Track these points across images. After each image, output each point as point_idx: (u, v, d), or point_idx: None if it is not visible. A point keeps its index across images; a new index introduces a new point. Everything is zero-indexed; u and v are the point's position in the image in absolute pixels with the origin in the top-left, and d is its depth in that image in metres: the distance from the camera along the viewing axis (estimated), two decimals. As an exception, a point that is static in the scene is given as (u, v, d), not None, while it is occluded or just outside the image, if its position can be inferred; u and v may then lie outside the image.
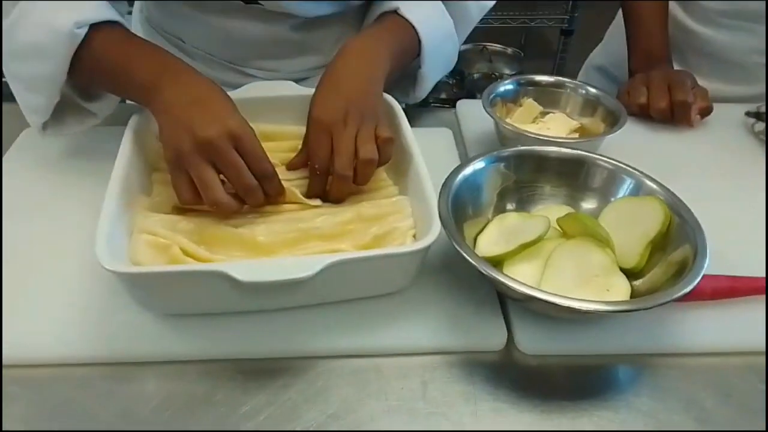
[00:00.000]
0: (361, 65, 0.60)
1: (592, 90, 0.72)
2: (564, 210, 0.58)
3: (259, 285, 0.46)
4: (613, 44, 1.03)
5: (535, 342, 0.52)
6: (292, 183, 0.60)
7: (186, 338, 0.51)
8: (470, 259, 0.47)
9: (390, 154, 0.58)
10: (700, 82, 0.82)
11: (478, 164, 0.57)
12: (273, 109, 0.68)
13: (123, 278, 0.48)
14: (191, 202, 0.54)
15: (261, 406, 0.48)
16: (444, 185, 0.54)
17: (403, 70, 0.69)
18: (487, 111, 0.69)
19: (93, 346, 0.51)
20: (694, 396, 0.49)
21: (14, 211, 0.63)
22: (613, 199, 0.57)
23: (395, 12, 0.66)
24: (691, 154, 0.76)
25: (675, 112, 0.78)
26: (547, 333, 0.53)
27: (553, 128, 0.72)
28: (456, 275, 0.57)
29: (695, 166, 0.73)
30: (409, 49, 0.66)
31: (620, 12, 0.97)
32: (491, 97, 0.72)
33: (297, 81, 0.73)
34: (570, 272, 0.51)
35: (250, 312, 0.53)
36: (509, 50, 2.13)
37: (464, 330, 0.53)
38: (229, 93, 0.65)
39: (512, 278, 0.46)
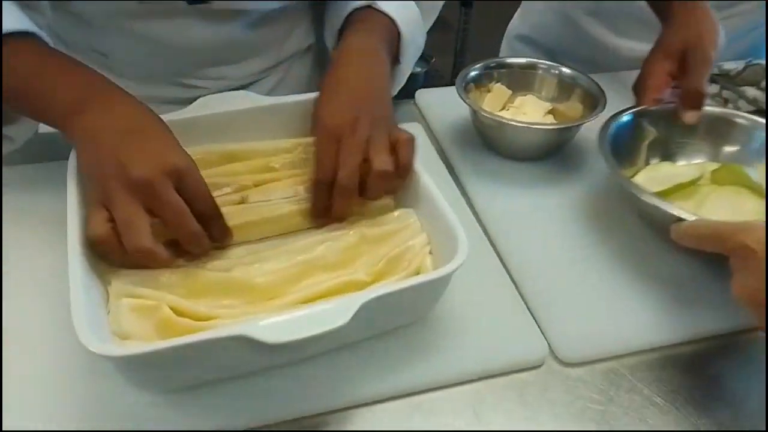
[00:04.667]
0: (365, 65, 0.55)
1: (566, 70, 0.69)
2: (710, 165, 0.60)
3: (288, 345, 0.39)
4: (533, 12, 1.01)
5: (575, 348, 0.50)
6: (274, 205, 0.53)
7: (199, 414, 0.44)
8: (637, 193, 0.50)
9: (413, 157, 0.51)
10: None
11: (626, 117, 0.61)
12: (233, 125, 0.59)
13: (121, 361, 0.40)
14: (101, 241, 0.44)
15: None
16: (601, 132, 0.58)
17: None
18: (464, 100, 0.65)
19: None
20: None
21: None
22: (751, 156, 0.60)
23: (369, 7, 0.60)
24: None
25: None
26: (584, 337, 0.50)
27: (529, 112, 0.69)
28: (476, 290, 0.53)
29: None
30: (393, 45, 0.61)
31: None
32: (465, 82, 0.67)
33: (243, 88, 0.66)
34: (724, 216, 0.50)
35: (263, 370, 0.46)
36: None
37: (503, 347, 0.49)
38: (177, 113, 0.58)
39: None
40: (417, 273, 0.48)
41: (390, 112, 0.53)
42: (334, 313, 0.40)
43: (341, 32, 0.63)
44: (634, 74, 0.67)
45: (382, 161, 0.49)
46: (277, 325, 0.39)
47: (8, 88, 0.50)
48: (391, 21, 0.60)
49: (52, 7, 0.68)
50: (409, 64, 0.65)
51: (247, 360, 0.44)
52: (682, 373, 0.49)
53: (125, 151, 0.45)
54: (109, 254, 0.45)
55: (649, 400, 0.47)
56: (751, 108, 0.76)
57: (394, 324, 0.49)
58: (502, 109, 0.70)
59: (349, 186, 0.49)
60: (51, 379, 0.45)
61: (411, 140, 0.51)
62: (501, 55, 1.07)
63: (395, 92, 0.68)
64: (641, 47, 0.76)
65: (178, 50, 0.66)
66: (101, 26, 0.65)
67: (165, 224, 0.45)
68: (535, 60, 0.71)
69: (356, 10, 0.61)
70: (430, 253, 0.50)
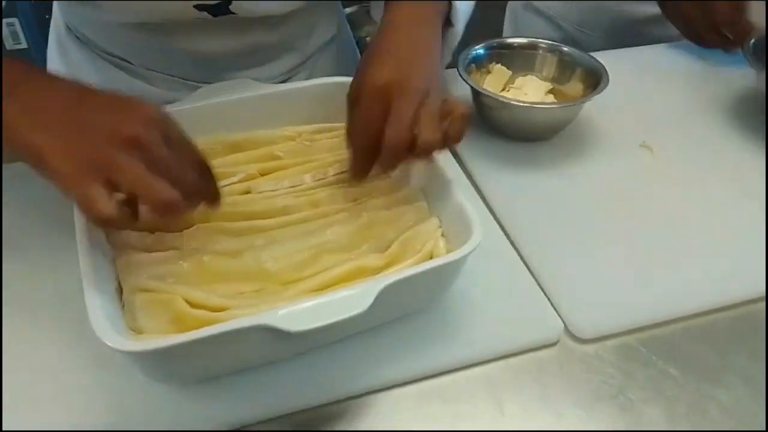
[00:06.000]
0: (414, 33, 0.51)
1: (567, 50, 0.69)
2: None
3: (309, 332, 0.39)
4: None
5: (589, 325, 0.50)
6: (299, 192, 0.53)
7: (215, 405, 0.43)
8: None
9: (463, 133, 0.48)
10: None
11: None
12: (236, 114, 0.58)
13: (141, 356, 0.39)
14: (114, 220, 0.38)
15: (326, 462, 0.42)
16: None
17: None
18: (465, 80, 0.64)
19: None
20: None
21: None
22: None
23: None
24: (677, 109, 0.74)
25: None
26: (597, 313, 0.51)
27: (530, 92, 0.69)
28: (487, 272, 0.53)
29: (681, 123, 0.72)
30: (444, 8, 0.57)
31: None
32: (466, 63, 0.67)
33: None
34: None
35: (280, 360, 0.46)
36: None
37: (517, 327, 0.49)
38: (180, 102, 0.57)
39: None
40: (430, 256, 0.48)
41: (441, 82, 0.50)
42: (354, 300, 0.40)
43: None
44: (639, 51, 0.66)
45: (431, 131, 0.45)
46: (297, 313, 0.39)
47: None
48: None
49: (69, 13, 0.67)
50: (461, 26, 0.61)
51: (266, 350, 0.43)
52: (694, 344, 0.50)
53: (95, 116, 0.40)
54: (120, 228, 0.43)
55: (664, 372, 0.47)
56: None
57: (411, 309, 0.49)
58: (503, 89, 0.70)
59: (400, 144, 0.45)
60: (66, 376, 0.45)
61: (466, 114, 0.47)
62: (505, 26, 1.07)
63: (449, 58, 0.64)
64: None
65: (205, 59, 0.65)
66: (126, 36, 0.64)
67: (166, 176, 0.40)
68: (536, 40, 0.70)
69: None
70: (443, 236, 0.50)
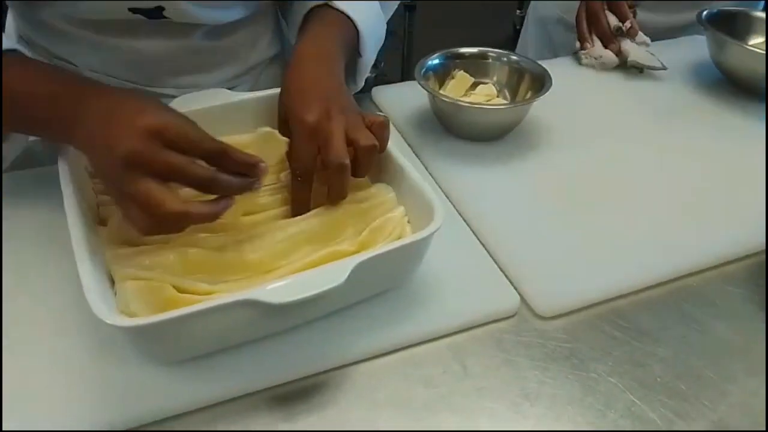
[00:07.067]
0: (322, 68, 0.58)
1: (514, 57, 0.76)
2: None
3: (293, 304, 0.43)
4: None
5: (544, 298, 0.55)
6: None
7: (204, 381, 0.47)
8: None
9: (387, 139, 0.55)
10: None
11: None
12: (212, 121, 0.62)
13: (137, 331, 0.43)
14: (154, 230, 0.45)
15: (312, 426, 0.46)
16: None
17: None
18: (423, 86, 0.70)
19: (101, 414, 0.45)
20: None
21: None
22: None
23: (326, 5, 0.64)
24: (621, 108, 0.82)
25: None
26: (551, 289, 0.56)
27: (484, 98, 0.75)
28: (451, 256, 0.58)
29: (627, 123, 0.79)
30: (351, 41, 0.65)
31: None
32: (423, 71, 0.73)
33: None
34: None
35: (263, 337, 0.50)
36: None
37: (479, 302, 0.54)
38: None
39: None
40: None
41: (354, 103, 0.57)
42: (332, 275, 0.44)
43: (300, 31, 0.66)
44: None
45: (367, 137, 0.52)
46: (281, 288, 0.43)
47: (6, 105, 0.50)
48: (348, 18, 0.64)
49: (18, 16, 0.70)
50: (371, 56, 0.69)
51: (252, 326, 0.47)
52: (636, 314, 0.56)
53: (105, 133, 0.45)
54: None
55: (609, 335, 0.53)
56: None
57: (383, 286, 0.53)
58: (463, 95, 0.76)
59: (343, 161, 0.50)
60: (65, 362, 0.48)
61: (385, 121, 0.55)
62: (523, 39, 1.14)
63: (361, 84, 0.72)
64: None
65: (146, 62, 0.69)
66: (67, 37, 0.67)
67: (179, 182, 0.44)
68: (486, 49, 0.77)
69: (314, 8, 0.65)
70: (409, 222, 0.55)
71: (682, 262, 0.60)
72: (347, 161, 0.51)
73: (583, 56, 0.90)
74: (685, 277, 0.59)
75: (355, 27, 0.64)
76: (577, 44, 0.91)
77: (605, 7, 0.88)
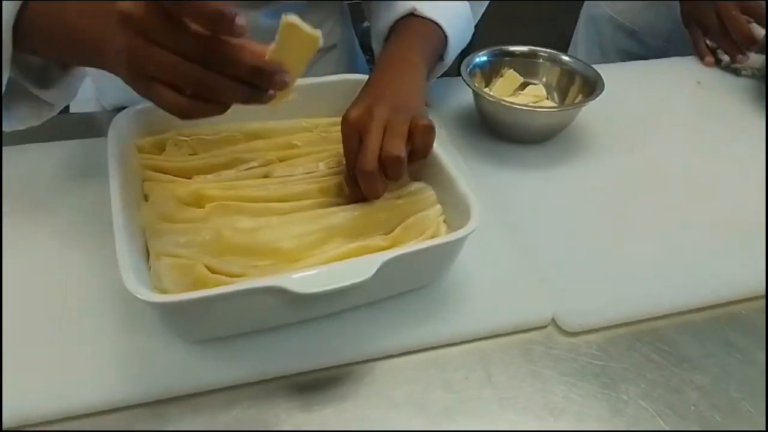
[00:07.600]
0: (400, 77, 0.57)
1: (566, 58, 0.74)
2: None
3: (318, 295, 0.43)
4: None
5: (577, 316, 0.53)
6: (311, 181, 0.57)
7: (226, 362, 0.47)
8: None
9: (430, 144, 0.54)
10: None
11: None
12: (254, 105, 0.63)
13: (165, 308, 0.43)
14: (189, 107, 0.42)
15: (327, 418, 0.45)
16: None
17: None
18: (468, 84, 0.69)
19: (125, 386, 0.45)
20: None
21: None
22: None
23: (414, 14, 0.63)
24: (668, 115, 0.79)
25: None
26: (586, 305, 0.54)
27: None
28: (486, 258, 0.57)
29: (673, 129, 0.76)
30: (439, 48, 0.64)
31: None
32: (469, 69, 0.71)
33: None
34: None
35: (288, 325, 0.50)
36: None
37: (510, 309, 0.53)
38: None
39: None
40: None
41: (415, 104, 0.55)
42: (360, 268, 0.44)
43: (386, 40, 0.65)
44: (641, 64, 0.71)
45: (392, 146, 0.50)
46: (308, 277, 0.43)
47: (41, 32, 0.49)
48: (437, 25, 0.62)
49: None
50: (452, 58, 0.68)
51: (277, 312, 0.47)
52: (676, 337, 0.53)
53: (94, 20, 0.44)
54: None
55: (646, 356, 0.51)
56: None
57: (412, 284, 0.53)
58: (511, 95, 0.74)
59: (367, 169, 0.50)
60: (84, 331, 0.49)
61: (429, 126, 0.53)
62: (576, 37, 1.11)
63: (432, 81, 0.71)
64: None
65: None
66: None
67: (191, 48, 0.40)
68: (537, 48, 0.75)
69: (403, 18, 0.63)
70: (445, 221, 0.54)
71: (728, 287, 0.57)
72: (372, 168, 0.50)
73: (742, 69, 0.85)
74: (731, 303, 0.56)
75: (444, 33, 0.63)
76: (726, 57, 0.86)
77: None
